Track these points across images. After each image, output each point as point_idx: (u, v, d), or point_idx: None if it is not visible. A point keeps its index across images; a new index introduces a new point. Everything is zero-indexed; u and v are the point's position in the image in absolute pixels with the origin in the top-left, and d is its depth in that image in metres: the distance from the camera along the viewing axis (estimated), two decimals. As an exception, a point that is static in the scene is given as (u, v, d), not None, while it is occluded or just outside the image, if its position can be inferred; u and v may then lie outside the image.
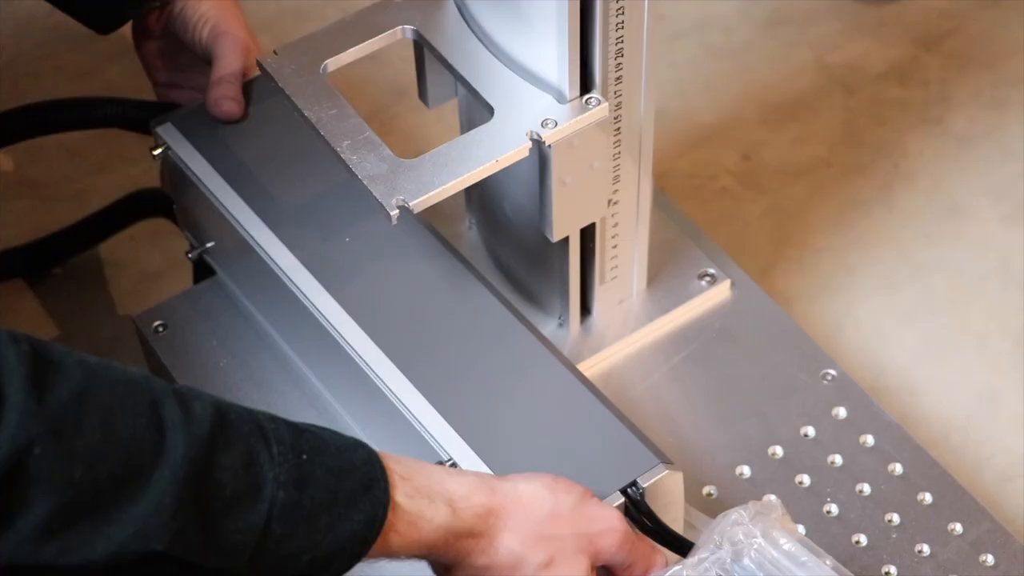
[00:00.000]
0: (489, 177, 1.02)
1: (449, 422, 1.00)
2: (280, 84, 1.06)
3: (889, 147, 1.54)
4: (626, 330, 1.20)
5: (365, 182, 1.00)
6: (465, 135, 1.03)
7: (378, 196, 0.99)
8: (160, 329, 1.18)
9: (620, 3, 0.99)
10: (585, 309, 1.20)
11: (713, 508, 1.09)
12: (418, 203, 0.99)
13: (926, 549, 1.08)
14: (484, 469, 0.97)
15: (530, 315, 1.19)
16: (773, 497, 0.94)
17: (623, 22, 1.00)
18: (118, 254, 1.47)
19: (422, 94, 1.15)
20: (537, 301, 1.20)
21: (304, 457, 0.80)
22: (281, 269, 1.08)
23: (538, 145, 1.02)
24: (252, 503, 0.78)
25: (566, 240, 1.11)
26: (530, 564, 0.88)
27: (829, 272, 1.43)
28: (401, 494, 0.84)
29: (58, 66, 1.62)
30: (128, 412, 0.75)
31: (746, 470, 1.12)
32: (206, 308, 1.18)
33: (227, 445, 0.78)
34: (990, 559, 1.07)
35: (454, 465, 0.98)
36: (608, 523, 0.91)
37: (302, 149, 1.13)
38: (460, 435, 0.99)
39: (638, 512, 0.95)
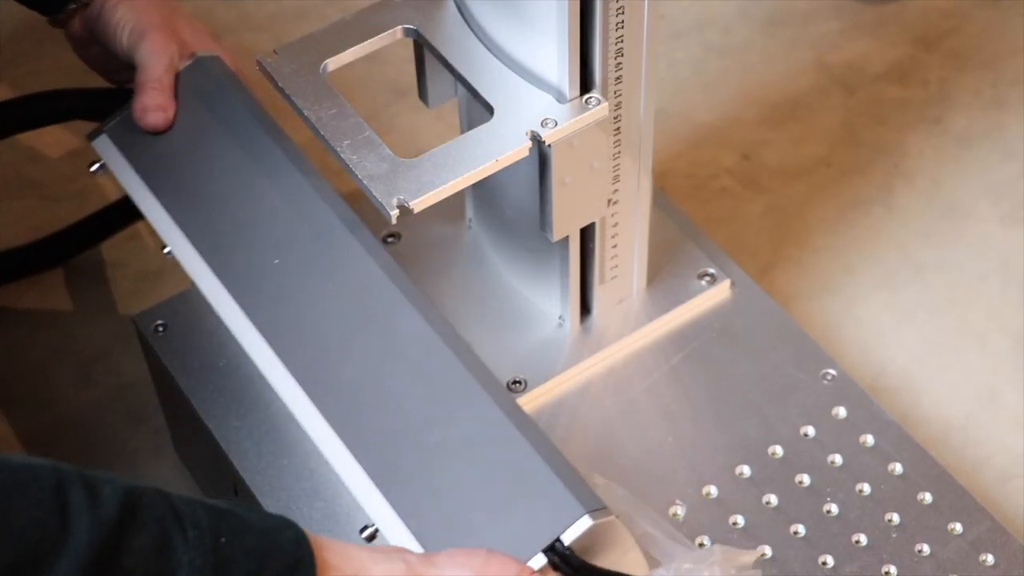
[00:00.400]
0: (489, 177, 1.02)
1: (371, 476, 0.96)
2: (280, 84, 1.06)
3: (889, 147, 1.54)
4: (626, 330, 1.20)
5: (365, 182, 1.00)
6: (465, 135, 1.03)
7: (378, 196, 0.99)
8: (160, 329, 1.18)
9: (620, 3, 0.99)
10: (585, 309, 1.20)
11: (713, 508, 1.09)
12: (418, 203, 0.99)
13: (926, 549, 1.08)
14: (402, 528, 0.94)
15: (530, 315, 1.20)
16: (715, 548, 0.93)
17: (623, 22, 1.00)
18: (118, 254, 1.47)
19: (422, 94, 1.15)
20: (537, 301, 1.20)
21: (223, 540, 0.78)
22: (206, 293, 1.06)
23: (538, 145, 1.02)
24: None
25: (566, 240, 1.11)
26: None
27: (829, 272, 1.43)
28: None
29: (58, 66, 1.62)
30: (28, 498, 0.72)
31: (746, 470, 1.12)
32: (206, 308, 1.18)
33: (137, 529, 0.75)
34: (990, 559, 1.07)
35: (377, 531, 0.96)
36: None
37: (239, 155, 1.09)
38: (381, 492, 0.95)
39: (570, 567, 0.91)
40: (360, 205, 1.08)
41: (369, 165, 1.01)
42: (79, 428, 1.34)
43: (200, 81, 1.12)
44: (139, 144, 1.12)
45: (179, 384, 1.14)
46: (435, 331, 1.01)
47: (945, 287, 1.43)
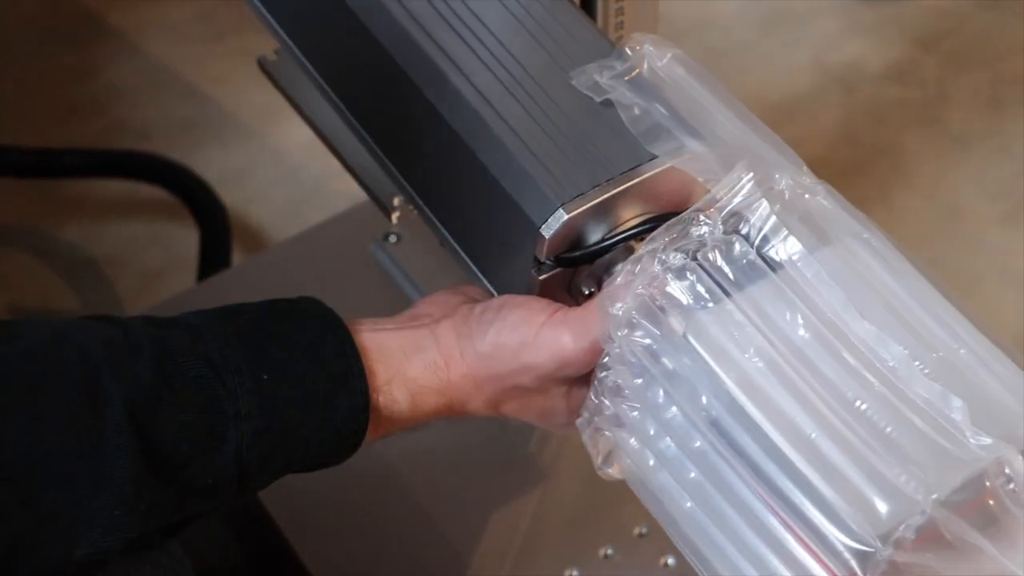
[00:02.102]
0: None
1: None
2: (281, 84, 1.07)
3: (888, 147, 1.54)
4: (626, 329, 1.20)
5: (366, 181, 1.00)
6: None
7: (379, 196, 1.00)
8: (161, 328, 1.18)
9: (620, 3, 0.99)
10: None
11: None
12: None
13: (925, 547, 1.08)
14: None
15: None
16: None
17: (623, 22, 1.00)
18: (119, 254, 1.47)
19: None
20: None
21: (265, 378, 0.75)
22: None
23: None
24: (215, 449, 0.73)
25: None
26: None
27: (828, 271, 1.44)
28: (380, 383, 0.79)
29: (59, 66, 1.62)
30: (60, 385, 0.70)
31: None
32: (206, 308, 1.18)
33: (173, 399, 0.72)
34: (988, 557, 1.07)
35: None
36: (552, 350, 0.80)
37: None
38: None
39: (569, 262, 0.82)
40: (361, 205, 1.09)
41: (370, 165, 1.01)
42: (80, 427, 1.34)
43: None
44: None
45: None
46: None
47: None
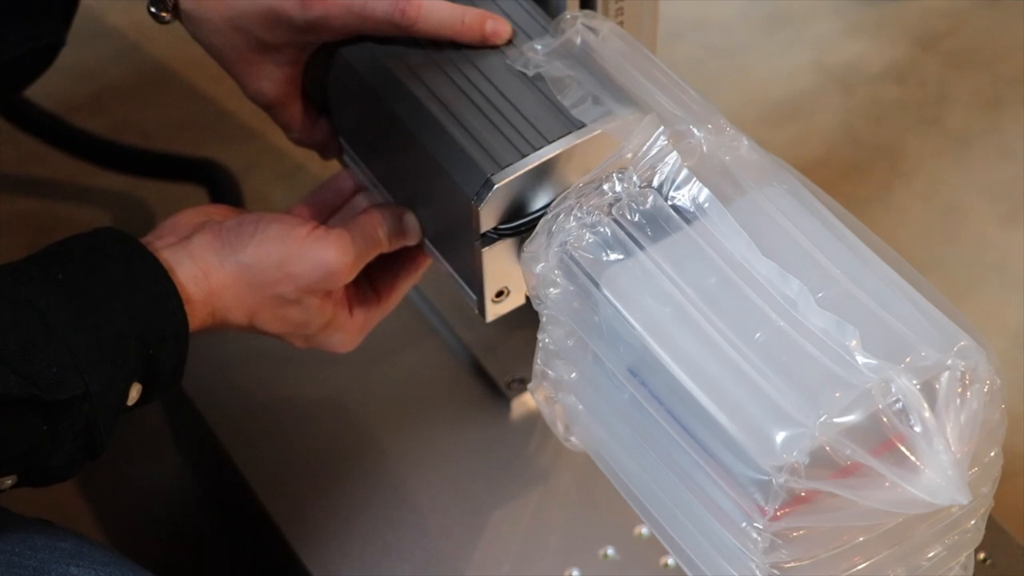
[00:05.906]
0: None
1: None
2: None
3: (887, 147, 1.55)
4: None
5: (366, 181, 1.00)
6: None
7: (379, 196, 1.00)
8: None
9: (620, 3, 1.00)
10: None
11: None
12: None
13: (924, 547, 1.08)
14: None
15: (532, 313, 1.20)
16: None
17: (623, 22, 1.01)
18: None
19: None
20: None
21: (60, 277, 0.80)
22: None
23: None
24: (43, 344, 0.77)
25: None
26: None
27: (828, 271, 1.44)
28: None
29: (60, 66, 1.62)
30: None
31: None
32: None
33: None
34: (989, 559, 1.07)
35: None
36: (315, 261, 0.88)
37: None
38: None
39: (509, 232, 0.86)
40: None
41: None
42: (80, 427, 1.34)
43: None
44: None
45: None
46: None
47: (943, 287, 1.43)
